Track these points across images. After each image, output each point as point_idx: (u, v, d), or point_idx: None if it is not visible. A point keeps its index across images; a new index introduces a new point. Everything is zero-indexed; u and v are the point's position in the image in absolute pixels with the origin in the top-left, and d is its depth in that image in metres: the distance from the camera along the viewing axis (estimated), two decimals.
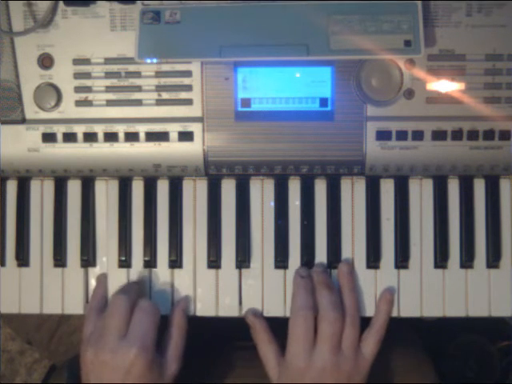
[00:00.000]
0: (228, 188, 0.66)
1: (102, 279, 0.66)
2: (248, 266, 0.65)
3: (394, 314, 0.64)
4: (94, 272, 0.67)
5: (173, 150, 0.65)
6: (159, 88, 0.64)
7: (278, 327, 0.63)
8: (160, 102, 0.64)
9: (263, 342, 0.63)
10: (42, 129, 0.65)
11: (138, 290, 0.63)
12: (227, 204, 0.66)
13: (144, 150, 0.65)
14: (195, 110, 0.64)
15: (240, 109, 0.64)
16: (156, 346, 0.59)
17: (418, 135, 0.63)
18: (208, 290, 0.65)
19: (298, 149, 0.64)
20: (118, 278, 0.66)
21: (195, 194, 0.66)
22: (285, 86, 0.64)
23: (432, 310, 0.64)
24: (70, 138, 0.65)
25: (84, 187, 0.67)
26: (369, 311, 0.64)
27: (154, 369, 0.58)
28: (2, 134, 0.65)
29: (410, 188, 0.65)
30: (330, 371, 0.58)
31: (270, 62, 0.63)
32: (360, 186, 0.65)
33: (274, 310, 0.65)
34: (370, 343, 0.61)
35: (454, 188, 0.65)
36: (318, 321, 0.60)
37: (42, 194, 0.67)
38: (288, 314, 0.64)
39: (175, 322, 0.62)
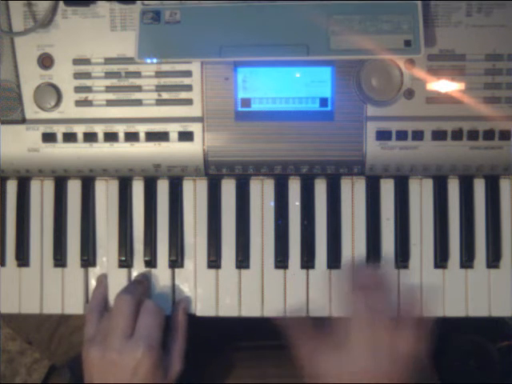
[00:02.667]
0: (228, 188, 0.66)
1: (102, 280, 0.66)
2: (248, 266, 0.65)
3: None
4: (94, 272, 0.67)
5: (173, 149, 0.65)
6: (159, 88, 0.64)
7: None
8: (160, 102, 0.64)
9: (301, 340, 0.61)
10: (42, 129, 0.65)
11: (143, 290, 0.63)
12: (227, 204, 0.66)
13: (144, 149, 0.65)
14: (195, 110, 0.64)
15: (240, 109, 0.64)
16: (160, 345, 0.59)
17: (418, 135, 0.63)
18: (208, 290, 0.65)
19: (298, 149, 0.64)
20: (118, 278, 0.66)
21: (195, 194, 0.66)
22: (285, 85, 0.64)
23: (432, 309, 0.64)
24: (70, 138, 0.65)
25: (84, 187, 0.67)
26: None
27: (159, 368, 0.58)
28: (2, 134, 0.65)
29: (410, 188, 0.65)
30: (387, 379, 0.57)
31: (270, 61, 0.63)
32: (360, 185, 0.65)
33: (274, 309, 0.65)
34: (405, 341, 0.59)
35: (454, 188, 0.65)
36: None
37: (41, 194, 0.67)
38: (288, 314, 0.64)
39: (178, 323, 0.62)
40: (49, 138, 0.65)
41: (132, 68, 0.64)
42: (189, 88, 0.64)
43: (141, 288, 0.63)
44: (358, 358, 0.58)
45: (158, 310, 0.60)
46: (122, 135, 0.64)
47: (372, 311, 0.59)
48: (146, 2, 0.62)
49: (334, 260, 0.65)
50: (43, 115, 0.65)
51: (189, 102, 0.64)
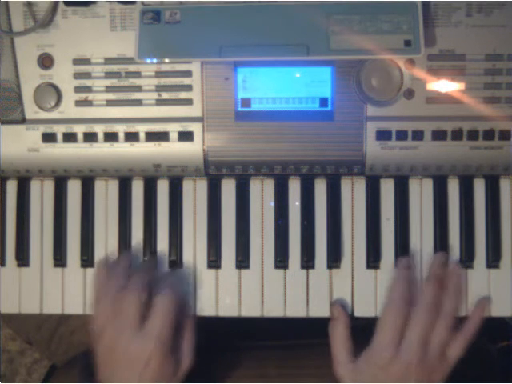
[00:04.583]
0: (228, 188, 0.66)
1: (102, 266, 0.65)
2: (248, 266, 0.65)
3: None
4: (93, 272, 0.67)
5: (173, 149, 0.65)
6: (159, 88, 0.64)
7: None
8: (160, 102, 0.64)
9: (341, 337, 0.62)
10: (42, 129, 0.65)
11: (149, 275, 0.63)
12: (227, 204, 0.66)
13: (144, 149, 0.65)
14: (195, 110, 0.64)
15: (240, 109, 0.64)
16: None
17: (418, 135, 0.63)
18: (208, 290, 0.65)
19: (298, 149, 0.64)
20: None
21: (195, 194, 0.66)
22: (285, 85, 0.64)
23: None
24: (70, 138, 0.65)
25: (84, 187, 0.67)
26: (369, 312, 0.64)
27: (170, 361, 0.59)
28: (2, 134, 0.65)
29: (410, 188, 0.65)
30: (414, 366, 0.58)
31: (270, 61, 0.63)
32: (360, 185, 0.65)
33: (274, 309, 0.65)
34: (457, 347, 0.60)
35: (454, 188, 0.65)
36: (410, 312, 0.60)
37: (41, 194, 0.67)
38: (288, 314, 0.64)
39: (187, 319, 0.63)
40: (49, 138, 0.65)
41: (132, 68, 0.64)
42: (189, 88, 0.64)
43: (145, 276, 0.62)
44: (383, 348, 0.59)
45: (170, 303, 0.60)
46: (121, 135, 0.64)
47: (430, 302, 0.59)
48: (146, 2, 0.62)
49: (334, 260, 0.65)
50: (43, 115, 0.65)
51: (189, 102, 0.64)
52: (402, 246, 0.64)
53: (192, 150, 0.64)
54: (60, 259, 0.66)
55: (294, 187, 0.66)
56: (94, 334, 0.61)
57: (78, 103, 0.65)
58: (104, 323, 0.60)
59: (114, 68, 0.64)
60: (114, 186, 0.67)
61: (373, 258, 0.64)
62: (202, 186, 0.66)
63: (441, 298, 0.61)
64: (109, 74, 0.64)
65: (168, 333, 0.59)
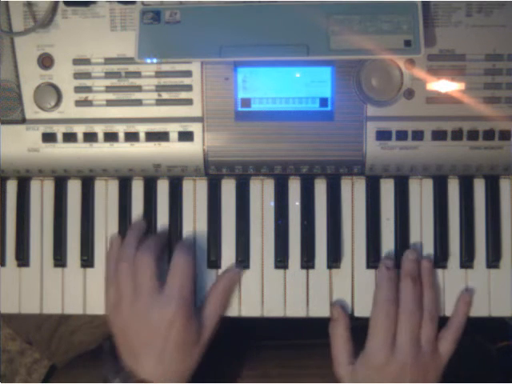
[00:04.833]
0: (228, 188, 0.66)
1: (115, 240, 0.65)
2: (248, 266, 0.65)
3: None
4: (93, 272, 0.67)
5: (173, 149, 0.65)
6: (159, 88, 0.64)
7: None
8: (160, 102, 0.64)
9: (341, 339, 0.62)
10: (42, 129, 0.65)
11: (160, 240, 0.63)
12: (227, 204, 0.66)
13: (144, 149, 0.65)
14: (195, 110, 0.64)
15: (240, 109, 0.64)
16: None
17: (418, 135, 0.63)
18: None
19: (298, 149, 0.64)
20: None
21: (195, 194, 0.66)
22: (285, 85, 0.64)
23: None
24: (70, 138, 0.65)
25: (84, 187, 0.67)
26: (369, 312, 0.64)
27: (193, 324, 0.59)
28: (2, 134, 0.65)
29: (410, 188, 0.65)
30: (409, 366, 0.58)
31: (270, 61, 0.63)
32: (360, 185, 0.65)
33: (274, 309, 0.65)
34: (447, 342, 0.61)
35: (454, 188, 0.65)
36: (397, 313, 0.60)
37: (41, 194, 0.67)
38: (288, 314, 0.64)
39: (216, 290, 0.63)
40: (49, 138, 0.65)
41: (132, 68, 0.64)
42: (189, 88, 0.64)
43: (158, 243, 0.62)
44: (377, 351, 0.59)
45: (187, 266, 0.60)
46: (121, 135, 0.65)
47: (411, 302, 0.60)
48: (146, 2, 0.62)
49: (333, 260, 0.65)
50: (43, 115, 0.65)
51: (189, 101, 0.64)
52: (402, 246, 0.64)
53: (192, 150, 0.64)
54: (60, 259, 0.67)
55: (294, 187, 0.66)
56: (109, 311, 0.60)
57: (78, 103, 0.65)
58: (119, 293, 0.59)
59: (114, 68, 0.64)
60: (114, 186, 0.67)
61: (373, 258, 0.64)
62: (202, 186, 0.66)
63: (420, 294, 0.61)
64: (109, 74, 0.64)
65: (188, 293, 0.59)
